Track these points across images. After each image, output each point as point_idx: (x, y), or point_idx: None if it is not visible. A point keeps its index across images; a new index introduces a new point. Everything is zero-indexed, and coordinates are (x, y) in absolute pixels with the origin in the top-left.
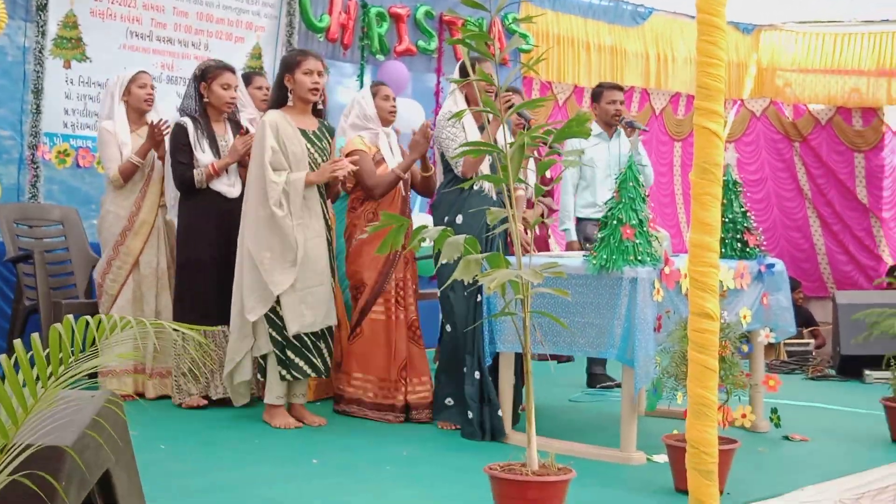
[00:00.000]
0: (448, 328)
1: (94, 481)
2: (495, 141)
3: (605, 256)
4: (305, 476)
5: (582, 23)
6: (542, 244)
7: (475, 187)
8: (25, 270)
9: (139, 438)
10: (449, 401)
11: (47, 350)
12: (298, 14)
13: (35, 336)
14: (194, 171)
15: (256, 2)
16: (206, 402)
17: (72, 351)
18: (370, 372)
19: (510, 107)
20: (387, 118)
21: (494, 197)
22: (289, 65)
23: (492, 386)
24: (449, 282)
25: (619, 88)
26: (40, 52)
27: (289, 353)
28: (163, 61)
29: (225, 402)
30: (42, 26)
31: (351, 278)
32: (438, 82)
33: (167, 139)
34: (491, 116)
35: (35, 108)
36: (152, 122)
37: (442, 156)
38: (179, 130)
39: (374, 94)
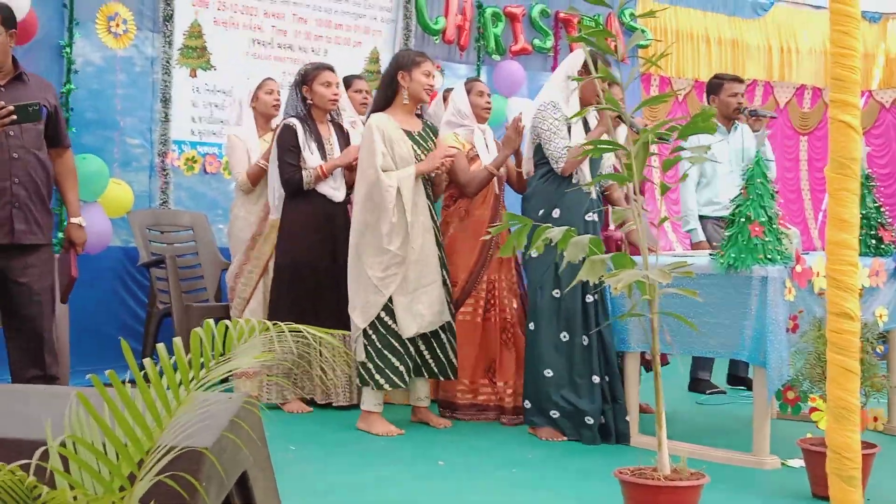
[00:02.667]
0: (531, 327)
1: (233, 482)
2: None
3: (733, 255)
4: (433, 477)
5: (701, 16)
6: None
7: (573, 181)
8: (158, 275)
9: (270, 440)
10: (554, 413)
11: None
12: (415, 17)
13: (178, 340)
14: (303, 172)
15: (373, 6)
16: (310, 408)
17: (211, 354)
18: (461, 373)
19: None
20: (481, 115)
21: (593, 194)
22: (405, 63)
23: (621, 387)
24: (574, 283)
25: (740, 80)
26: (167, 61)
27: (391, 358)
28: (284, 68)
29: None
30: (168, 36)
31: None
32: None
33: (274, 140)
34: (602, 114)
35: (164, 116)
36: (277, 125)
37: (538, 147)
38: (288, 131)
39: (469, 91)
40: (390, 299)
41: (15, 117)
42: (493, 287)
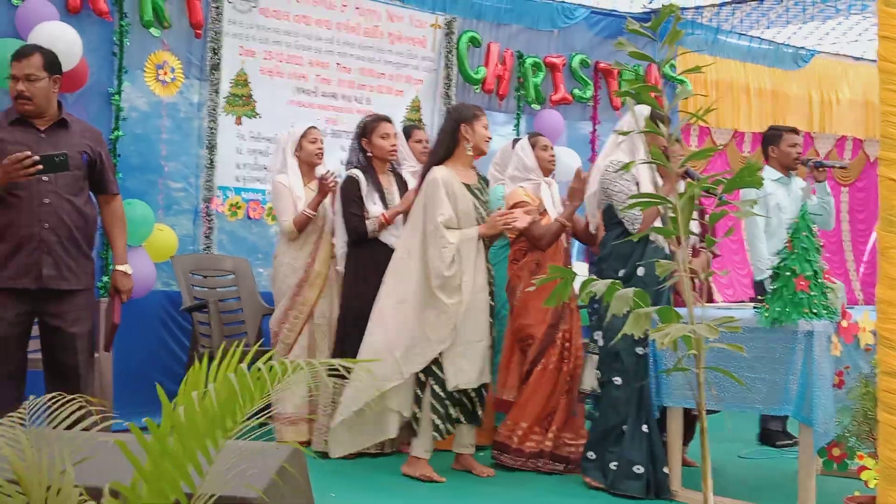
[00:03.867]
0: (617, 381)
1: None
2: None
3: (778, 309)
4: None
5: (741, 67)
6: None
7: (651, 238)
8: (200, 319)
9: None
10: (614, 465)
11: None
12: (456, 66)
13: (213, 386)
14: (366, 221)
15: (416, 56)
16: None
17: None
18: (528, 421)
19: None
20: (547, 167)
21: (667, 249)
22: (466, 117)
23: (660, 441)
24: (619, 336)
25: (797, 131)
26: (214, 109)
27: (450, 407)
28: (327, 116)
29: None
30: (215, 84)
31: (518, 332)
32: (594, 130)
33: (339, 191)
34: (663, 170)
35: (209, 162)
36: (322, 175)
37: (608, 208)
38: (351, 183)
39: (533, 146)
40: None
41: (41, 167)
42: (566, 337)
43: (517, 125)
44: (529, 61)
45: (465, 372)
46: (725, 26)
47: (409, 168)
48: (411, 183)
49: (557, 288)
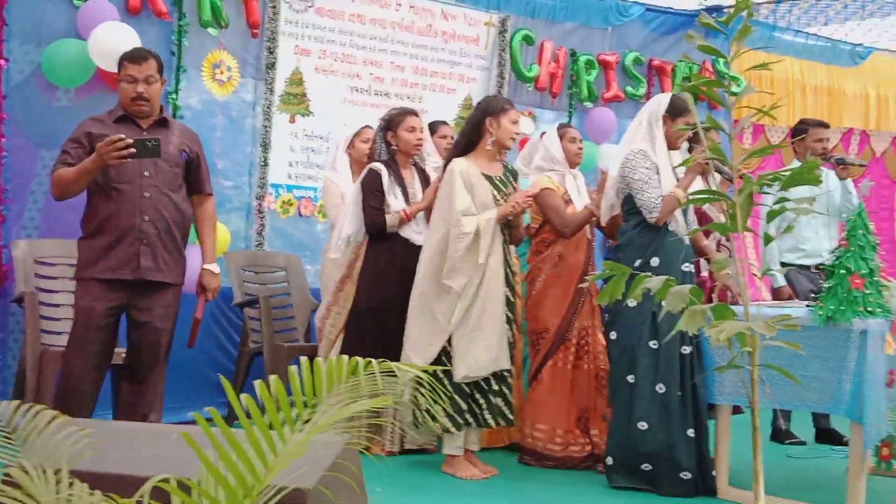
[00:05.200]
0: (630, 380)
1: None
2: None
3: (832, 307)
4: None
5: (797, 63)
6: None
7: (670, 229)
8: (251, 315)
9: None
10: (647, 466)
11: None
12: (509, 65)
13: (275, 378)
14: (387, 215)
15: (469, 54)
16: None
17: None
18: (548, 422)
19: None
20: (573, 160)
21: (686, 240)
22: (493, 110)
23: (706, 440)
24: (673, 333)
25: (826, 126)
26: (268, 107)
27: (459, 400)
28: (380, 115)
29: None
30: (270, 83)
31: (532, 323)
32: None
33: (359, 183)
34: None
35: (263, 160)
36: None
37: (628, 197)
38: (373, 176)
39: (561, 137)
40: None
41: (134, 150)
42: (587, 334)
43: (569, 123)
44: (583, 59)
45: (478, 360)
46: (782, 23)
47: (433, 164)
48: (433, 177)
49: (610, 284)
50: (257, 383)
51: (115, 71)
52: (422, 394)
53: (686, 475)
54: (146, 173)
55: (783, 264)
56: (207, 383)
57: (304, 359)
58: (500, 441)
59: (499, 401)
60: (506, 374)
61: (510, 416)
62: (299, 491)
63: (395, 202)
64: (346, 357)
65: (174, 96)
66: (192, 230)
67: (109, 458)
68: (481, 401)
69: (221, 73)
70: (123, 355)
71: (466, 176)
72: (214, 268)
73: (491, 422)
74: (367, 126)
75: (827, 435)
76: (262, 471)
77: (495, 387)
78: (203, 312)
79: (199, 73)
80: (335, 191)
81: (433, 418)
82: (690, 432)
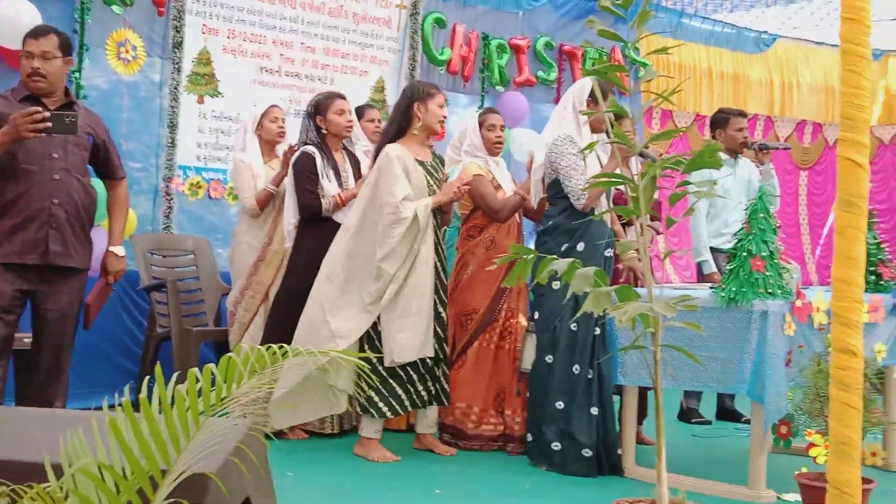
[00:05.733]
0: (549, 360)
1: None
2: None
3: (734, 289)
4: None
5: (704, 50)
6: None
7: (596, 214)
8: (158, 298)
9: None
10: (556, 445)
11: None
12: (421, 48)
13: (210, 366)
14: (322, 199)
15: (380, 36)
16: (306, 436)
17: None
18: (466, 400)
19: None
20: (492, 149)
21: (609, 224)
22: (420, 95)
23: (612, 419)
24: (578, 315)
25: (744, 115)
26: (176, 88)
27: (393, 384)
28: (291, 96)
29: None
30: (177, 63)
31: (461, 306)
32: None
33: (292, 167)
34: (614, 148)
35: (170, 141)
36: (285, 150)
37: (554, 181)
38: (307, 159)
39: (481, 124)
40: (379, 326)
41: (49, 125)
42: (512, 315)
43: (481, 107)
44: (494, 43)
45: (403, 347)
46: (689, 9)
47: (362, 147)
48: (364, 162)
49: (517, 267)
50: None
51: (17, 49)
52: (363, 381)
53: (587, 452)
54: (55, 155)
55: (712, 249)
56: (115, 368)
57: (240, 345)
58: (400, 424)
59: (441, 380)
60: (439, 357)
61: (447, 394)
62: (202, 476)
63: (328, 186)
64: (259, 346)
65: (77, 75)
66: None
67: (4, 444)
68: (430, 382)
69: (126, 51)
70: (26, 340)
71: (403, 162)
72: (119, 250)
73: (434, 401)
74: (274, 106)
75: (728, 414)
76: (174, 457)
77: (431, 366)
78: (104, 297)
79: (103, 52)
80: (247, 171)
81: (372, 403)
82: (594, 411)
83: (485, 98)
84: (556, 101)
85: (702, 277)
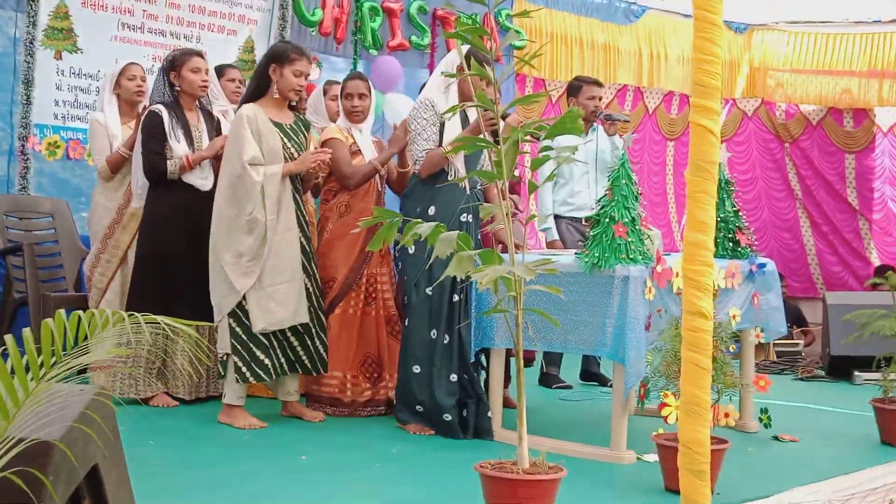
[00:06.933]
0: (407, 324)
1: (83, 476)
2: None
3: (597, 254)
4: (295, 472)
5: (575, 20)
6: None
7: (448, 177)
8: (14, 263)
9: (127, 434)
10: (419, 408)
11: (38, 345)
12: (291, 8)
13: (27, 331)
14: (167, 161)
15: None
16: (176, 402)
17: (63, 346)
18: (340, 369)
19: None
20: (350, 117)
21: (468, 190)
22: (279, 57)
23: (481, 384)
24: (441, 278)
25: (599, 84)
26: (31, 42)
27: (256, 351)
28: (154, 53)
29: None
30: (33, 17)
31: (321, 271)
32: None
33: (139, 127)
34: (477, 113)
35: (25, 99)
36: (139, 112)
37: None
38: (153, 118)
39: (325, 93)
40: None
41: None
42: (375, 281)
43: (353, 69)
44: (367, 5)
45: (274, 313)
46: None
47: (220, 107)
48: (223, 122)
49: (381, 231)
50: (7, 337)
51: None
52: (235, 344)
53: (447, 417)
54: None
55: (557, 217)
56: None
57: (61, 311)
58: (262, 391)
59: (319, 348)
60: (320, 321)
61: (325, 363)
62: (45, 443)
63: (177, 146)
64: (108, 310)
65: None
66: None
67: None
68: (300, 349)
69: None
70: None
71: (255, 123)
72: None
73: (310, 369)
74: (132, 63)
75: (594, 377)
76: (3, 424)
77: (314, 333)
78: None
79: None
80: (102, 132)
81: (236, 368)
82: (453, 377)
83: (357, 62)
84: (431, 66)
85: (548, 244)
